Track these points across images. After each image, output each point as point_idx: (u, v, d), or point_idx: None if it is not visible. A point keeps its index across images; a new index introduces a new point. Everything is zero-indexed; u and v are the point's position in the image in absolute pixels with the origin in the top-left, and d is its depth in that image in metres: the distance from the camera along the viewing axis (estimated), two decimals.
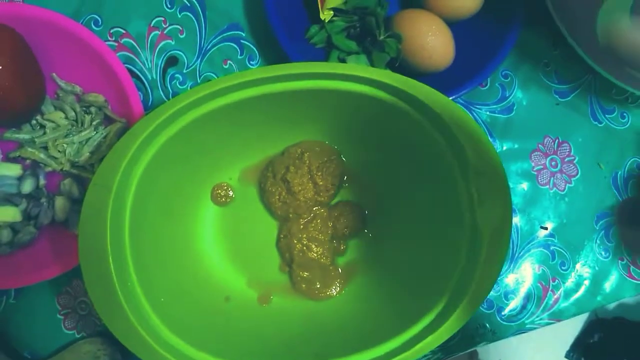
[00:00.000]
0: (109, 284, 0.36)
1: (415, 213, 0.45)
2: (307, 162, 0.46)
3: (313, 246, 0.46)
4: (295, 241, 0.46)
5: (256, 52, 0.49)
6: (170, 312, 0.39)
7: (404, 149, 0.44)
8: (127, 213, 0.38)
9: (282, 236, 0.47)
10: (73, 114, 0.45)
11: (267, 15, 0.45)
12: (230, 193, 0.47)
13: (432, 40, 0.45)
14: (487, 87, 0.50)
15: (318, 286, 0.47)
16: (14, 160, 0.46)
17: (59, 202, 0.45)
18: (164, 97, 0.48)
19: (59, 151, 0.45)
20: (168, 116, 0.38)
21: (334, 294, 0.47)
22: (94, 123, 0.45)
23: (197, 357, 0.36)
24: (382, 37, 0.45)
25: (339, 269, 0.47)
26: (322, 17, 0.47)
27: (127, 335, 0.36)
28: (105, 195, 0.37)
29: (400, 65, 0.47)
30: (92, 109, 0.45)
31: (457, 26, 0.47)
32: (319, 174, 0.45)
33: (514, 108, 0.50)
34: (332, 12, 0.47)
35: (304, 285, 0.47)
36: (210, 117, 0.41)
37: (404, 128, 0.41)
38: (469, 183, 0.38)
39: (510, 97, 0.50)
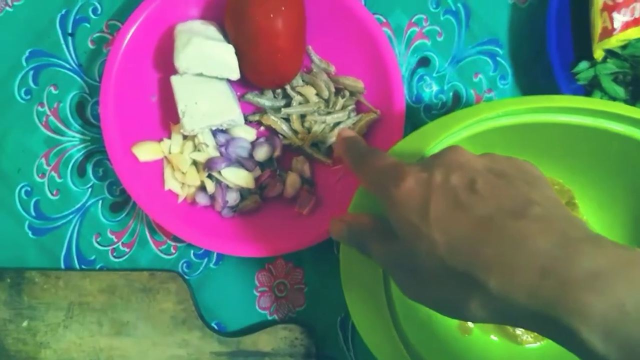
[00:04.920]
0: (374, 293, 0.34)
1: None
2: None
3: None
4: None
5: (509, 71, 0.47)
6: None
7: None
8: None
9: None
10: (327, 93, 0.43)
11: (546, 42, 0.44)
12: None
13: None
14: None
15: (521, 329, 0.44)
16: (250, 124, 0.45)
17: (291, 177, 0.43)
18: (407, 97, 0.46)
19: (302, 126, 0.44)
20: (463, 126, 0.37)
21: (537, 341, 0.44)
22: (348, 108, 0.43)
23: None
24: None
25: None
26: (595, 55, 0.45)
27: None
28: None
29: None
30: (345, 93, 0.43)
31: None
32: None
33: None
34: (604, 53, 0.45)
35: None
36: (480, 137, 0.39)
37: None
38: None
39: None
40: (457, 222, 0.25)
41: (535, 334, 0.45)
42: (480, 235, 0.24)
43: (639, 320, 0.21)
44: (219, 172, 0.42)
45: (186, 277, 0.45)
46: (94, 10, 0.46)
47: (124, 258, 0.45)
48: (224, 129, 0.43)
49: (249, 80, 0.43)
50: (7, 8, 0.46)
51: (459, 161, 0.27)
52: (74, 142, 0.45)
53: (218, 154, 0.42)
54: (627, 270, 0.21)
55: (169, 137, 0.43)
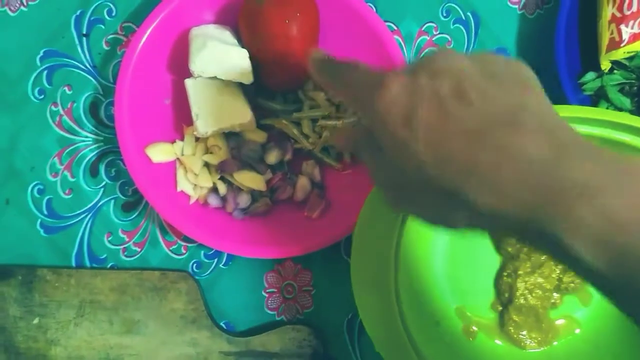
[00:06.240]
0: (382, 295, 0.35)
1: None
2: None
3: (535, 292, 0.44)
4: (519, 283, 0.44)
5: None
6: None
7: None
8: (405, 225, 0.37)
9: (505, 274, 0.45)
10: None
11: (554, 52, 0.44)
12: None
13: None
14: None
15: (525, 333, 0.45)
16: (261, 127, 0.45)
17: (301, 181, 0.44)
18: None
19: (313, 131, 0.44)
20: None
21: (540, 346, 0.45)
22: (359, 112, 0.44)
23: None
24: None
25: (554, 322, 0.45)
26: (602, 66, 0.45)
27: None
28: None
29: None
30: None
31: None
32: None
33: None
34: (610, 64, 0.46)
35: (512, 329, 0.45)
36: None
37: None
38: None
39: None
40: (444, 134, 0.23)
41: (540, 339, 0.45)
42: (468, 148, 0.23)
43: (631, 233, 0.20)
44: (231, 175, 0.43)
45: (196, 277, 0.45)
46: (109, 12, 0.46)
47: (135, 257, 0.45)
48: (236, 131, 0.43)
49: (262, 84, 0.43)
50: (22, 8, 0.46)
51: (447, 66, 0.25)
52: (87, 142, 0.46)
53: (230, 157, 0.43)
54: (620, 180, 0.21)
55: (182, 139, 0.44)
